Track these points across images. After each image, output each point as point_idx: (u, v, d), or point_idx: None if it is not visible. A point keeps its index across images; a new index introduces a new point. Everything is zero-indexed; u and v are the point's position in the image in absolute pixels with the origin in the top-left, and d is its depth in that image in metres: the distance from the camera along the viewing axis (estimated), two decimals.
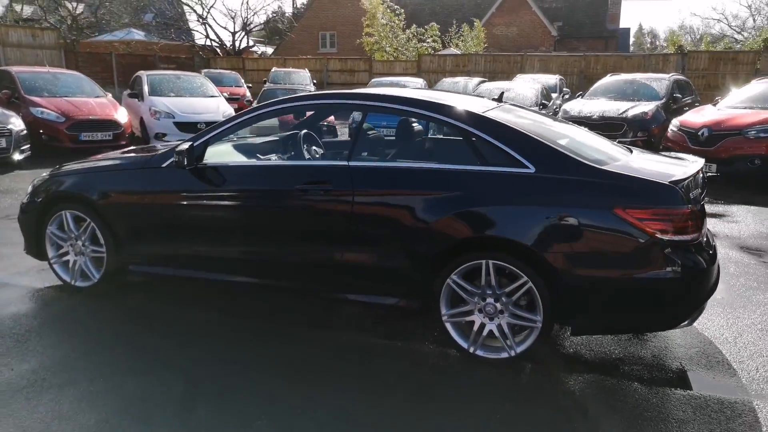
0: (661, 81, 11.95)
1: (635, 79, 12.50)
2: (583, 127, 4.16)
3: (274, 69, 21.60)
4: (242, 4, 40.02)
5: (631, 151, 3.67)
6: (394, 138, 4.36)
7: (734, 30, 41.65)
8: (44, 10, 27.92)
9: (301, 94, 4.16)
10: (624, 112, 10.64)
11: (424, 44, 27.73)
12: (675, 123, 9.50)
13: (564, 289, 3.07)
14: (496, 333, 3.24)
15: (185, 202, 3.87)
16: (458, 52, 25.87)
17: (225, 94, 14.19)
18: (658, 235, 2.93)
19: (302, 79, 20.06)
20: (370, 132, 4.30)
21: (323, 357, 3.42)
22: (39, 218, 4.28)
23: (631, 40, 53.16)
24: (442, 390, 3.09)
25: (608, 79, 12.80)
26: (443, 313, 3.33)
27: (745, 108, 9.06)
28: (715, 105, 9.72)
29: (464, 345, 3.31)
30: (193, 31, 33.61)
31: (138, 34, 31.26)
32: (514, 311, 3.20)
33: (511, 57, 22.91)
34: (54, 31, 22.40)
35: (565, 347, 3.56)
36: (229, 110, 12.38)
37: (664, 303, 3.05)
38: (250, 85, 20.98)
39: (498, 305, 3.21)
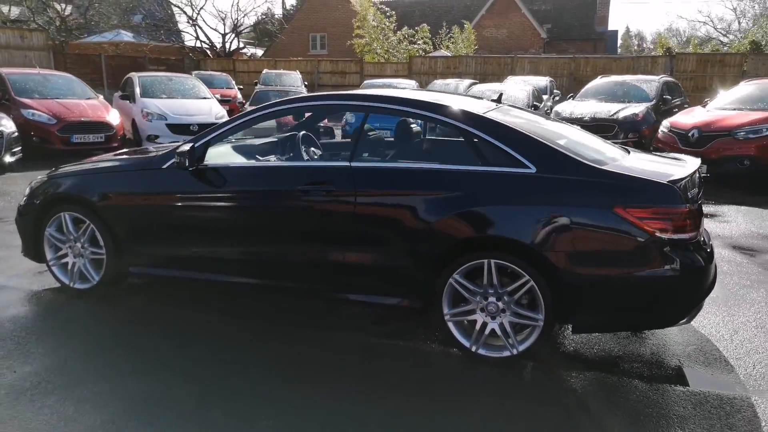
0: (651, 83, 12.09)
1: (625, 80, 12.63)
2: (579, 128, 4.21)
3: (265, 71, 21.56)
4: (232, 5, 39.88)
5: (629, 152, 3.72)
6: (394, 139, 4.38)
7: (720, 32, 42.12)
8: (32, 11, 27.68)
9: (303, 95, 4.18)
10: (615, 113, 10.75)
11: (415, 46, 27.81)
12: (665, 124, 9.61)
13: (565, 288, 3.11)
14: (498, 332, 3.27)
15: (187, 204, 3.88)
16: (449, 54, 25.97)
17: (216, 96, 14.15)
18: (658, 234, 2.98)
19: (293, 81, 20.03)
20: (370, 133, 4.32)
21: (324, 357, 3.43)
22: (37, 220, 4.26)
23: (619, 42, 53.60)
24: (444, 389, 3.12)
25: (599, 81, 12.92)
26: (445, 312, 3.36)
27: (734, 109, 9.20)
28: (704, 106, 9.85)
29: (466, 344, 3.34)
30: (182, 33, 33.49)
31: (127, 36, 31.07)
32: (515, 310, 3.24)
33: (502, 59, 23.04)
34: (42, 32, 22.21)
35: (566, 345, 3.60)
36: (221, 112, 12.35)
37: (663, 301, 3.10)
38: (241, 86, 20.93)
39: (500, 304, 3.25)
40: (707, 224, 6.46)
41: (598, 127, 10.25)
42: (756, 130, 8.39)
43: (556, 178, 3.14)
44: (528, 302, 3.24)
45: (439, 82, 17.00)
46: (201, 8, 31.24)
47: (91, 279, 4.19)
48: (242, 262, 3.84)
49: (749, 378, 3.20)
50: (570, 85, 20.16)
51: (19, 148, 9.37)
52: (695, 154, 7.89)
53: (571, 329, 3.38)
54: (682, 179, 3.12)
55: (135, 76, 13.01)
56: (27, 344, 3.52)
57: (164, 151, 4.00)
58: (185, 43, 32.49)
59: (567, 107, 11.62)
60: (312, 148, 4.72)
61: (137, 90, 12.29)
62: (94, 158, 4.91)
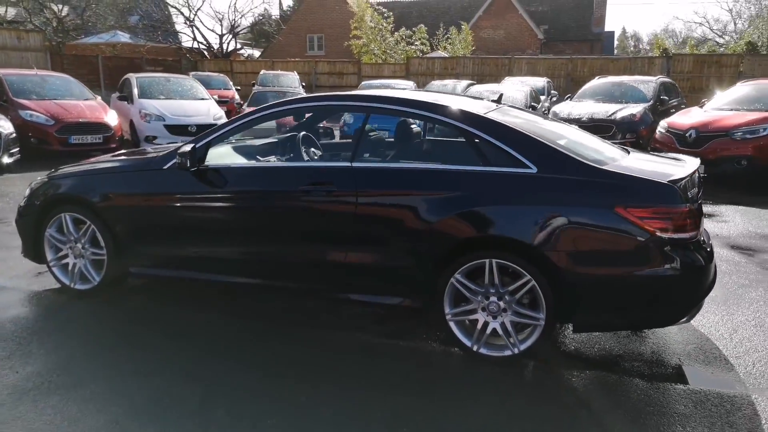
0: (648, 83, 12.13)
1: (623, 81, 12.67)
2: (579, 128, 4.22)
3: (262, 72, 21.56)
4: (229, 6, 39.92)
5: (628, 152, 3.74)
6: (394, 139, 4.39)
7: (716, 33, 42.32)
8: (29, 12, 27.63)
9: (304, 96, 4.19)
10: (612, 114, 10.79)
11: (413, 47, 27.84)
12: (663, 125, 9.65)
13: (566, 287, 3.12)
14: (500, 331, 3.29)
15: (188, 204, 3.88)
16: (446, 55, 26.00)
17: (214, 97, 14.15)
18: (658, 234, 3.00)
19: (291, 82, 20.03)
20: (371, 133, 4.33)
21: (325, 357, 3.44)
22: (37, 221, 4.26)
23: (615, 43, 53.72)
24: (446, 388, 3.13)
25: (596, 82, 12.96)
26: (447, 312, 3.37)
27: (731, 110, 9.24)
28: (701, 107, 9.89)
29: (468, 343, 3.35)
30: (180, 34, 33.47)
31: (123, 36, 31.05)
32: (517, 309, 3.25)
33: (499, 60, 23.08)
34: (39, 33, 22.15)
35: (566, 344, 3.62)
36: (219, 113, 12.35)
37: (664, 300, 3.12)
38: (239, 87, 20.94)
39: (501, 303, 3.26)
40: (705, 224, 6.48)
41: (595, 127, 10.27)
42: (753, 130, 8.44)
43: (557, 178, 3.16)
44: (529, 301, 3.25)
45: (436, 83, 17.03)
46: (198, 9, 31.25)
47: (92, 280, 4.19)
48: (243, 262, 3.85)
49: (749, 376, 3.22)
50: (567, 86, 20.21)
51: (17, 149, 9.35)
52: (693, 155, 7.89)
53: (572, 328, 3.40)
54: (682, 179, 3.14)
55: (133, 77, 13.00)
56: (29, 345, 3.52)
57: (165, 152, 4.00)
58: (182, 44, 32.48)
59: (565, 108, 11.65)
60: (312, 149, 4.73)
61: (135, 91, 12.29)
62: (94, 159, 4.92)
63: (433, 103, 3.63)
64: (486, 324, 3.31)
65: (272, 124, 5.12)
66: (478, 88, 14.08)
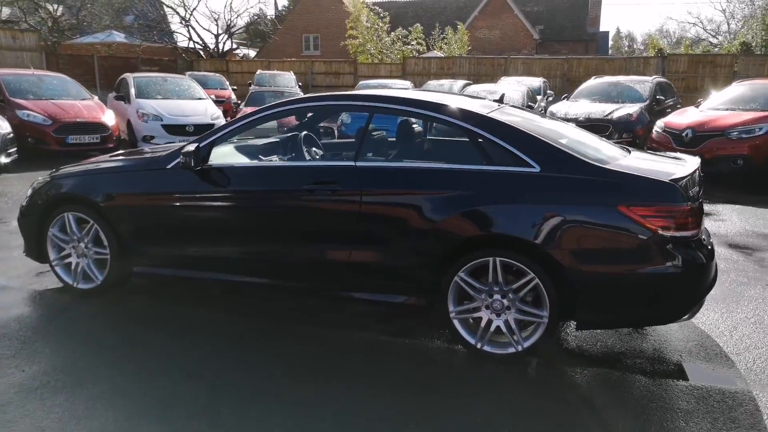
0: (644, 83, 12.20)
1: (619, 81, 12.73)
2: (580, 128, 4.26)
3: (258, 71, 21.53)
4: (225, 6, 39.85)
5: (629, 151, 3.77)
6: (396, 139, 4.41)
7: (709, 33, 42.52)
8: (23, 11, 27.51)
9: (308, 96, 4.20)
10: (609, 114, 10.85)
11: (409, 47, 27.87)
12: (659, 124, 9.71)
13: (569, 285, 3.15)
14: (503, 329, 3.31)
15: (192, 203, 3.90)
16: (442, 55, 26.04)
17: (211, 97, 14.13)
18: (661, 232, 3.03)
19: (287, 82, 20.02)
20: (374, 133, 4.35)
21: (330, 355, 3.46)
22: (40, 221, 4.26)
23: (610, 43, 53.90)
24: (450, 386, 3.15)
25: (593, 82, 13.03)
26: (451, 310, 3.40)
27: (726, 110, 9.31)
28: (697, 107, 9.95)
29: (471, 341, 3.38)
30: (175, 34, 33.37)
31: (119, 36, 30.96)
32: (520, 307, 3.28)
33: (495, 60, 23.13)
34: (34, 32, 22.10)
35: (568, 342, 3.65)
36: (217, 112, 12.35)
37: (666, 297, 3.15)
38: (235, 87, 20.92)
39: (505, 301, 3.29)
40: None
41: (592, 127, 10.27)
42: (749, 130, 8.51)
43: (560, 177, 3.19)
44: (533, 299, 3.28)
45: (433, 83, 17.06)
46: (194, 9, 31.20)
47: (95, 279, 4.19)
48: (247, 261, 3.86)
49: (750, 372, 3.26)
50: (563, 86, 20.28)
51: (15, 149, 9.30)
52: (689, 154, 8.01)
53: (575, 326, 3.43)
54: (683, 178, 3.18)
55: (130, 76, 12.98)
56: (33, 344, 3.52)
57: (168, 152, 4.01)
58: (178, 43, 32.39)
59: (562, 108, 11.70)
60: (313, 148, 4.74)
61: (132, 91, 12.27)
62: (95, 159, 4.92)
63: (436, 103, 3.65)
64: (490, 322, 3.34)
65: (273, 123, 5.13)
66: (475, 88, 14.13)
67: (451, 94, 4.34)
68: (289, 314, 4.08)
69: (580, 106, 11.57)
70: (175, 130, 11.43)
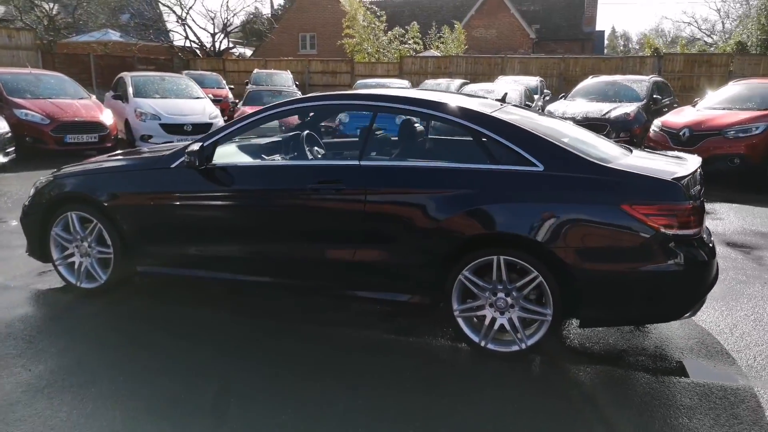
0: (641, 83, 12.25)
1: (616, 81, 12.78)
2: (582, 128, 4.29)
3: (255, 70, 21.52)
4: (221, 5, 39.74)
5: (631, 150, 3.81)
6: (398, 138, 4.43)
7: (704, 33, 42.69)
8: (19, 10, 27.40)
9: (313, 95, 4.21)
10: (607, 113, 10.90)
11: (406, 46, 27.88)
12: (657, 123, 9.76)
13: (573, 283, 3.18)
14: (507, 327, 3.34)
15: (196, 202, 3.91)
16: (439, 54, 26.07)
17: (209, 96, 14.12)
18: (663, 230, 3.06)
19: (284, 81, 20.01)
20: (377, 132, 4.37)
21: (335, 354, 3.47)
22: (43, 220, 4.27)
23: (605, 42, 54.06)
24: (454, 384, 3.17)
25: (590, 81, 13.07)
26: (455, 308, 3.42)
27: (723, 109, 9.37)
28: (694, 106, 10.02)
29: (475, 339, 3.41)
30: (171, 32, 33.30)
31: (114, 35, 30.87)
32: (524, 305, 3.31)
33: (492, 59, 23.16)
34: (30, 31, 22.00)
35: (571, 340, 3.68)
36: (215, 112, 12.34)
37: (668, 295, 3.19)
38: (232, 86, 20.88)
39: (509, 300, 3.31)
40: None
41: (590, 126, 10.27)
42: (745, 129, 8.56)
43: (563, 176, 3.22)
44: (536, 297, 3.31)
45: (430, 82, 17.07)
46: (190, 8, 31.13)
47: (99, 278, 4.20)
48: (251, 260, 3.87)
49: (751, 369, 3.30)
50: (559, 85, 20.34)
51: (13, 148, 9.31)
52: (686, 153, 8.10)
53: (578, 323, 3.46)
54: (685, 177, 3.21)
55: (127, 75, 12.96)
56: (39, 343, 3.53)
57: (172, 151, 4.02)
58: (174, 42, 32.31)
59: (559, 107, 11.74)
60: (315, 147, 4.75)
61: (130, 90, 12.25)
62: (96, 159, 4.92)
63: (441, 103, 3.68)
64: (494, 320, 3.36)
65: (275, 123, 5.15)
66: (473, 87, 14.14)
67: (454, 94, 4.36)
68: (292, 313, 4.09)
69: (577, 105, 11.62)
70: (174, 129, 11.43)
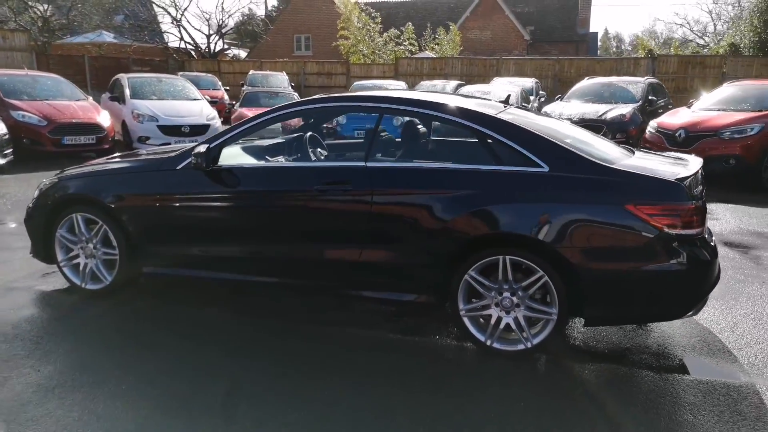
0: (637, 84, 12.35)
1: (612, 82, 12.88)
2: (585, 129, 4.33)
3: (251, 72, 21.53)
4: (216, 6, 39.70)
5: (633, 152, 3.85)
6: (401, 139, 4.46)
7: (696, 34, 42.99)
8: (13, 11, 27.29)
9: (318, 97, 4.24)
10: (603, 114, 10.98)
11: (401, 47, 27.95)
12: (653, 125, 9.84)
13: (578, 282, 3.22)
14: (513, 326, 3.37)
15: (203, 204, 3.93)
16: (434, 56, 26.14)
17: (205, 98, 14.11)
18: (667, 230, 3.11)
19: (280, 82, 20.05)
20: (383, 134, 4.41)
21: (340, 354, 3.50)
22: (48, 222, 4.27)
23: (598, 44, 54.30)
24: (460, 383, 3.20)
25: (586, 83, 13.15)
26: (461, 307, 3.45)
27: (718, 110, 9.46)
28: (689, 107, 10.10)
29: (481, 338, 3.44)
30: (166, 34, 33.24)
31: (108, 36, 30.79)
32: (530, 304, 3.34)
33: (487, 60, 23.29)
34: (24, 32, 21.95)
35: (574, 338, 3.72)
36: (212, 113, 12.33)
37: (672, 294, 3.24)
38: (228, 88, 20.89)
39: (514, 299, 3.35)
40: None
41: (586, 127, 10.31)
42: (741, 130, 8.65)
43: (568, 177, 3.26)
44: (541, 297, 3.35)
45: (426, 84, 17.14)
46: (185, 9, 31.09)
47: (104, 279, 4.21)
48: (259, 260, 3.89)
49: (752, 367, 3.35)
50: (554, 87, 20.46)
51: (10, 150, 9.29)
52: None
53: (583, 322, 3.50)
54: (687, 177, 3.26)
55: (124, 77, 12.93)
56: (46, 344, 3.54)
57: (178, 152, 4.04)
58: (169, 43, 32.27)
59: (556, 108, 11.81)
60: (318, 149, 4.79)
61: (127, 91, 12.23)
62: (99, 160, 4.93)
63: (446, 105, 3.72)
64: (499, 319, 3.40)
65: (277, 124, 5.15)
66: (469, 89, 14.22)
67: (458, 96, 4.40)
68: (297, 314, 4.12)
69: (573, 106, 11.69)
70: (171, 130, 11.41)
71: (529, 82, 17.05)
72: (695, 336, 3.75)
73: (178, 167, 3.93)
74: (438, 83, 16.98)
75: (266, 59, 27.85)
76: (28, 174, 9.04)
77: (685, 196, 3.15)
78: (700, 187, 3.43)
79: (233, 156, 4.11)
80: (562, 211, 3.21)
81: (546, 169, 3.29)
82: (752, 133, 8.56)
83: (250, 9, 44.49)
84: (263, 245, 3.86)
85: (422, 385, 3.16)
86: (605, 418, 2.88)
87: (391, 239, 3.54)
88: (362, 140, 5.53)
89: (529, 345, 3.35)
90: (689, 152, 8.45)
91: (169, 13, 31.37)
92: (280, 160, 4.49)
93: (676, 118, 9.69)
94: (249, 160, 4.26)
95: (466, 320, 3.47)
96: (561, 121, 4.57)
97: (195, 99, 12.90)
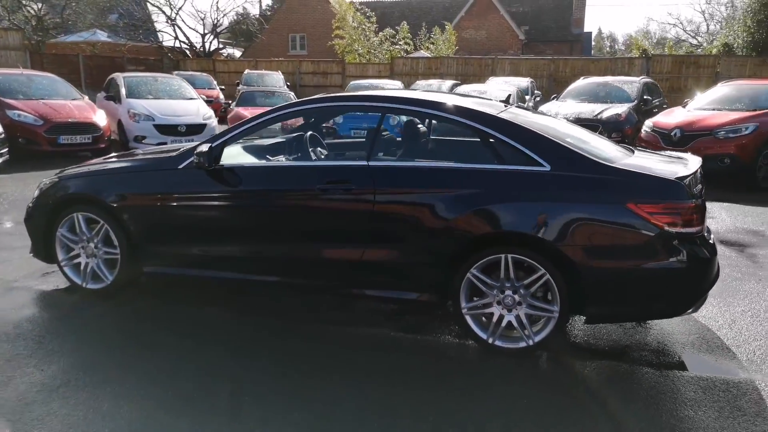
0: (632, 84, 12.41)
1: (607, 82, 12.93)
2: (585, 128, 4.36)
3: (246, 71, 21.47)
4: (211, 5, 39.61)
5: (633, 151, 3.89)
6: (402, 139, 4.48)
7: (689, 35, 43.21)
8: (7, 10, 27.14)
9: (320, 96, 4.25)
10: (598, 113, 11.03)
11: (397, 47, 27.96)
12: (648, 124, 9.90)
13: (580, 280, 3.25)
14: (515, 324, 3.40)
15: (205, 203, 3.94)
16: (430, 55, 26.17)
17: (202, 97, 14.08)
18: (667, 228, 3.14)
19: (276, 81, 20.01)
20: (384, 133, 4.42)
21: (342, 353, 3.51)
22: (48, 221, 4.27)
23: (592, 43, 54.47)
24: (463, 380, 3.22)
25: (581, 82, 13.21)
26: (463, 306, 3.48)
27: (713, 110, 9.52)
28: (684, 107, 10.16)
29: (483, 336, 3.46)
30: (160, 33, 33.15)
31: (102, 35, 30.66)
32: (531, 302, 3.37)
33: (483, 60, 23.32)
34: (18, 31, 21.81)
35: (576, 336, 3.75)
36: (209, 113, 12.30)
37: (672, 291, 3.27)
38: (223, 87, 20.84)
39: (516, 297, 3.38)
40: None
41: (582, 126, 10.47)
42: (735, 129, 8.71)
43: (570, 176, 3.28)
44: (543, 295, 3.38)
45: (421, 83, 17.15)
46: (180, 8, 31.01)
47: (105, 279, 4.20)
48: (260, 260, 3.90)
49: (751, 363, 3.39)
50: (550, 86, 20.51)
51: (6, 149, 9.23)
52: None
53: (584, 320, 3.53)
54: (687, 176, 3.29)
55: (119, 76, 12.89)
56: (48, 343, 3.54)
57: (180, 152, 4.04)
58: (163, 43, 32.17)
59: (552, 108, 11.86)
60: (318, 148, 4.80)
61: (123, 90, 12.18)
62: (99, 160, 4.92)
63: (447, 104, 3.74)
64: (501, 317, 3.42)
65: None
66: (465, 88, 14.25)
67: (459, 95, 4.42)
68: (298, 313, 4.13)
69: (569, 106, 11.74)
70: (167, 130, 11.38)
71: (524, 82, 17.09)
72: (694, 333, 3.79)
73: (180, 166, 3.93)
74: (434, 83, 16.99)
75: (261, 58, 27.79)
76: (24, 173, 9.01)
77: (686, 194, 3.18)
78: (700, 186, 3.46)
79: (234, 155, 4.12)
80: (563, 209, 3.24)
81: (548, 168, 3.31)
82: (747, 132, 8.62)
83: (244, 8, 44.49)
84: (265, 244, 3.87)
85: (424, 383, 3.18)
86: (607, 415, 2.91)
87: (394, 238, 3.56)
88: (361, 139, 5.56)
89: (530, 342, 3.38)
90: (684, 151, 8.54)
91: (163, 12, 31.31)
92: (281, 160, 4.50)
93: (671, 117, 9.75)
94: (250, 160, 4.27)
95: (468, 318, 3.50)
96: (560, 120, 4.59)
97: (191, 98, 12.87)
